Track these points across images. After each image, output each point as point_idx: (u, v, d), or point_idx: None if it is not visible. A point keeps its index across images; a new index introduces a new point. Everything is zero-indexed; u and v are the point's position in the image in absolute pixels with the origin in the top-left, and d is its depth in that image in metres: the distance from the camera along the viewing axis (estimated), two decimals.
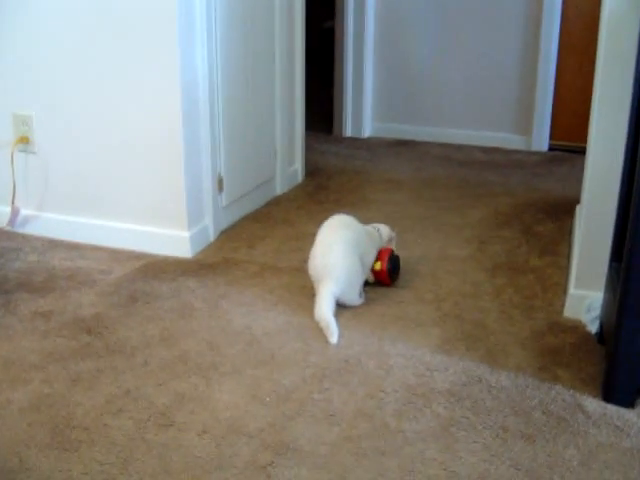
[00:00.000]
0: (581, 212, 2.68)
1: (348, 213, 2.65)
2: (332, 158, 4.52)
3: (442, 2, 4.79)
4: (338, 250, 2.44)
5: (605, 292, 2.28)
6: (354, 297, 2.50)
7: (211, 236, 3.10)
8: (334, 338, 2.27)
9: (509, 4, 4.65)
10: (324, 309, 2.35)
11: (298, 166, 3.99)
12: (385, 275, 2.63)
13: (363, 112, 5.08)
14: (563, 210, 3.51)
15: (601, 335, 2.28)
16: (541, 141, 4.77)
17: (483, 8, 4.71)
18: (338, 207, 3.51)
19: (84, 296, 2.59)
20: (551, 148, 4.80)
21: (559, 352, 2.24)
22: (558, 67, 4.67)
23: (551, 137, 4.80)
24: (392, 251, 2.68)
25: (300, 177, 4.01)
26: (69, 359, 2.17)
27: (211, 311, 2.48)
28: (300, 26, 3.80)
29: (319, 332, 2.33)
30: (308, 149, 4.21)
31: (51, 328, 2.35)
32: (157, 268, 2.83)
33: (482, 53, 4.78)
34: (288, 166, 3.85)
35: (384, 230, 2.73)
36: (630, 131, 2.11)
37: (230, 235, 3.19)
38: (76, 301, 2.55)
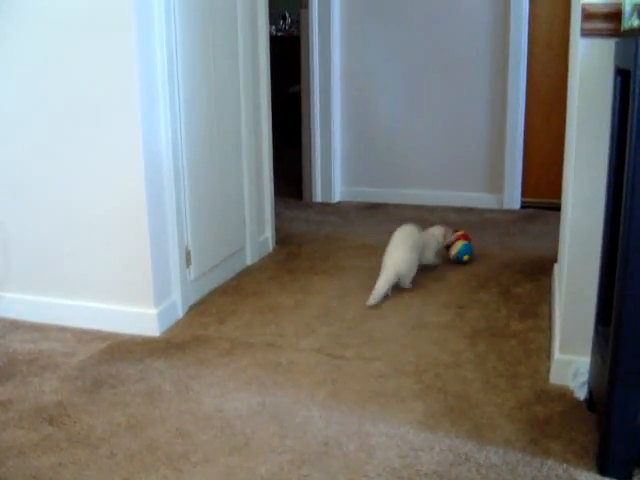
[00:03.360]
0: (561, 273, 2.61)
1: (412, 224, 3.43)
2: (303, 224, 4.44)
3: (408, 65, 4.78)
4: (400, 250, 3.26)
5: (592, 356, 2.19)
6: (408, 281, 3.28)
7: (179, 312, 2.99)
8: (369, 301, 3.09)
9: (475, 64, 4.65)
10: (380, 283, 3.15)
11: (268, 234, 3.90)
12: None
13: (333, 176, 5.02)
14: (540, 269, 3.45)
15: (590, 401, 2.19)
16: (513, 199, 4.74)
17: (448, 69, 4.71)
18: (310, 275, 3.44)
19: (46, 382, 2.46)
20: (523, 205, 4.76)
21: (548, 423, 2.14)
22: (526, 125, 4.66)
23: (522, 194, 4.76)
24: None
25: (271, 246, 3.92)
26: (29, 453, 2.04)
27: (180, 394, 2.35)
28: (266, 92, 3.75)
29: (295, 413, 2.21)
30: (278, 216, 4.13)
31: (10, 419, 2.22)
32: (123, 349, 2.71)
33: (449, 113, 4.76)
34: (258, 235, 3.75)
35: (438, 233, 3.55)
36: (609, 189, 2.05)
37: (199, 310, 3.07)
38: (37, 388, 2.42)
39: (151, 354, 2.65)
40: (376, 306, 3.06)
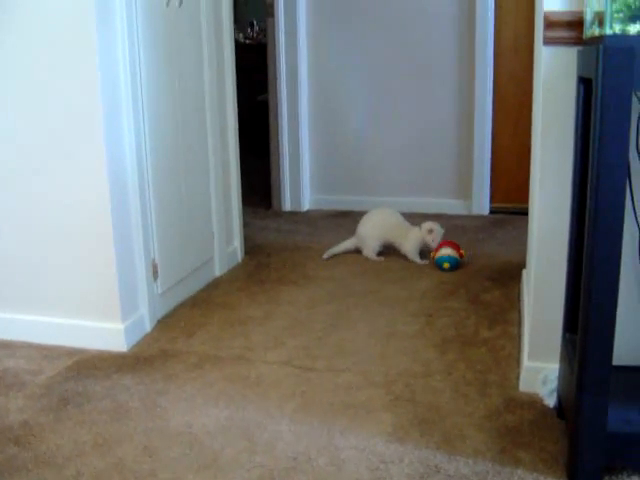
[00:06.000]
0: (529, 281, 2.61)
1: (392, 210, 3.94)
2: (272, 234, 4.42)
3: (375, 72, 4.79)
4: (366, 224, 3.91)
5: (560, 363, 2.19)
6: (368, 252, 3.86)
7: (147, 326, 2.95)
8: (325, 255, 3.90)
9: (442, 71, 4.67)
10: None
11: (237, 245, 3.87)
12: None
13: (301, 185, 5.00)
14: (508, 275, 3.46)
15: (560, 409, 2.19)
16: (481, 205, 4.76)
17: (416, 76, 4.72)
18: (280, 286, 3.42)
19: (11, 401, 2.42)
20: (492, 211, 4.78)
21: (518, 431, 2.13)
22: (493, 131, 4.69)
23: (491, 200, 4.78)
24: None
25: (240, 256, 3.89)
26: None
27: (148, 411, 2.31)
28: (232, 100, 3.72)
29: (264, 427, 2.19)
30: (247, 225, 4.11)
31: None
32: (90, 365, 2.67)
33: (417, 120, 4.77)
34: (226, 245, 3.72)
35: (425, 226, 3.77)
36: (574, 196, 2.05)
37: (167, 324, 3.04)
38: (2, 407, 2.37)
39: (118, 370, 2.62)
40: (346, 316, 3.04)
